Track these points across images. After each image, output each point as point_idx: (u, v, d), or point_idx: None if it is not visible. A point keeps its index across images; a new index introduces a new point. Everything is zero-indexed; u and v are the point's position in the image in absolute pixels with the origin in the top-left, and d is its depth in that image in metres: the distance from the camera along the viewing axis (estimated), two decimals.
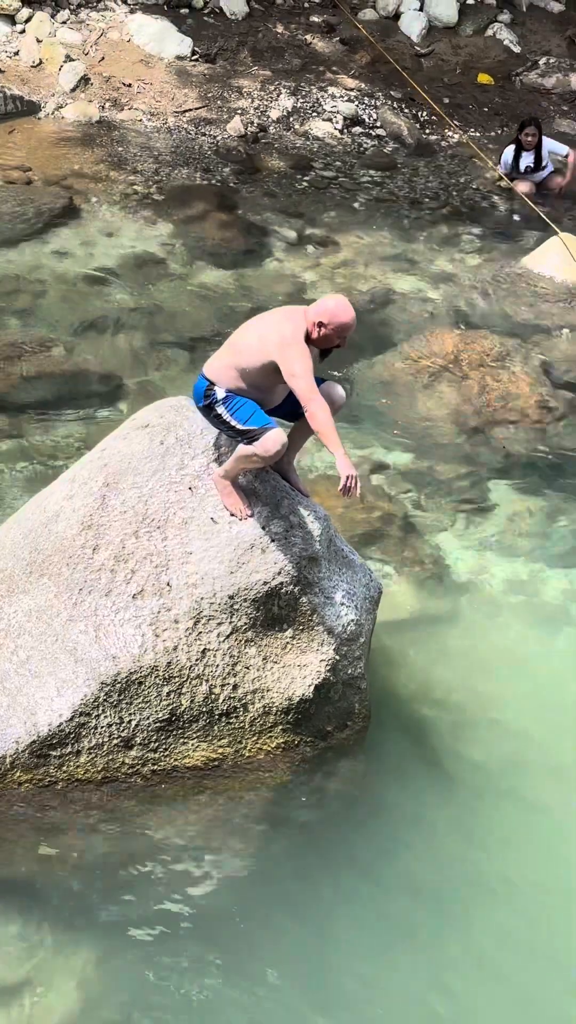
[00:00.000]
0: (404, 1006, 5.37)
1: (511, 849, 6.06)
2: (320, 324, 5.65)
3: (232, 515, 5.93)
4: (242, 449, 5.78)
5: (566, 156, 12.71)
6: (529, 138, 12.53)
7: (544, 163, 12.69)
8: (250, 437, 5.72)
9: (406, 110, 13.89)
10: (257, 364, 5.71)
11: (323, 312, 5.65)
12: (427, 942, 5.61)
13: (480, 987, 5.46)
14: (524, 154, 12.62)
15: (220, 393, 5.81)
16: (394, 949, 5.57)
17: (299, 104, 13.53)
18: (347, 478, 5.50)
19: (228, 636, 5.87)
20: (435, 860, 5.98)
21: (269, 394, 5.85)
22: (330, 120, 13.43)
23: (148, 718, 5.79)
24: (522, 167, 12.65)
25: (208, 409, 5.89)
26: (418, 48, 14.82)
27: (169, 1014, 5.20)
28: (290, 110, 13.44)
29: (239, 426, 5.76)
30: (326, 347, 5.76)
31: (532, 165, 12.65)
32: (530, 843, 6.11)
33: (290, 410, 5.98)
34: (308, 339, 5.66)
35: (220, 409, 5.81)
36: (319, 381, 5.76)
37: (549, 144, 12.68)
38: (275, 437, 5.67)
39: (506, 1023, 5.36)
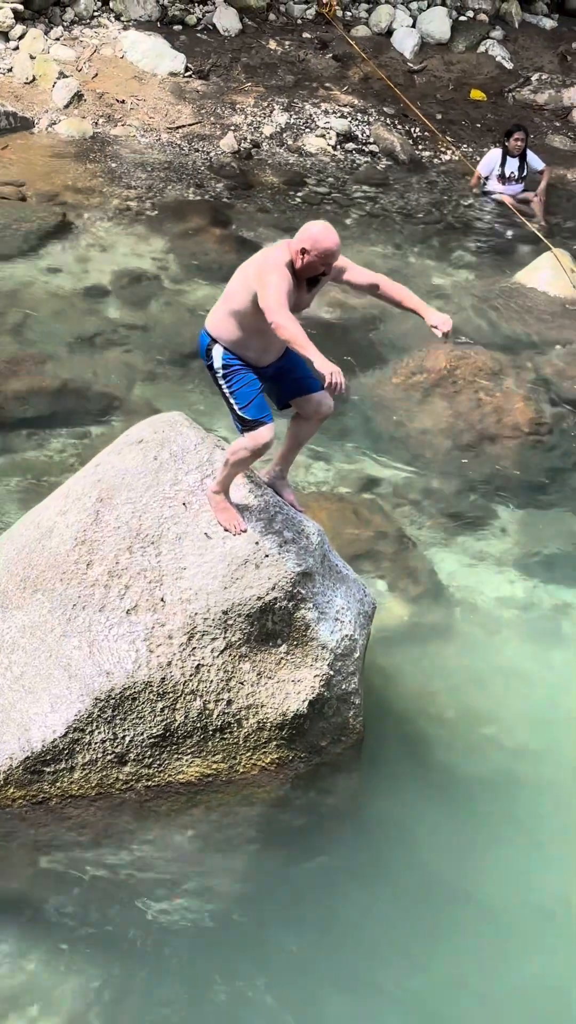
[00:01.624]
0: (397, 1020, 5.36)
1: (506, 865, 6.04)
2: (303, 251, 5.56)
3: (226, 530, 5.93)
4: (232, 448, 5.80)
5: (541, 171, 12.73)
6: (517, 143, 12.51)
7: (524, 173, 12.70)
8: (244, 425, 5.75)
9: (399, 126, 13.94)
10: (247, 302, 5.64)
11: (306, 238, 5.56)
12: (422, 957, 5.59)
13: (474, 1003, 5.45)
14: (509, 160, 12.63)
15: (217, 360, 5.81)
16: (388, 964, 5.55)
17: (292, 120, 13.58)
18: (330, 374, 5.29)
19: (222, 651, 5.87)
20: (429, 875, 5.96)
21: (264, 341, 5.75)
22: (323, 136, 13.48)
23: (142, 734, 5.78)
24: (507, 173, 12.64)
25: (211, 373, 5.90)
26: (411, 64, 14.88)
27: None
28: (283, 126, 13.48)
29: (237, 409, 5.77)
30: (311, 275, 5.65)
31: (515, 172, 12.66)
32: (526, 858, 6.10)
33: (280, 396, 6.00)
34: (293, 270, 5.58)
35: (221, 383, 5.83)
36: (317, 386, 5.76)
37: (529, 156, 12.70)
38: (265, 432, 5.69)
39: None
